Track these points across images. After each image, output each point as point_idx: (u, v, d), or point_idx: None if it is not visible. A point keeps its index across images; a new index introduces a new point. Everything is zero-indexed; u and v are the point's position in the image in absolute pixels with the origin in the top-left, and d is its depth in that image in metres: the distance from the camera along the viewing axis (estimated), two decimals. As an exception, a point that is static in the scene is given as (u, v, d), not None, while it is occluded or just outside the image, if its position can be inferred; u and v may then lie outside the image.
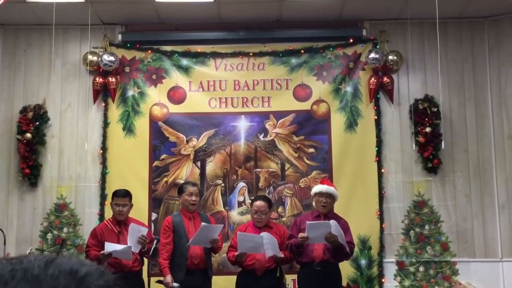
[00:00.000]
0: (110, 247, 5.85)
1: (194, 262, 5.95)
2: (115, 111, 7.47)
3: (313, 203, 6.13)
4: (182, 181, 7.25)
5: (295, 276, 6.37)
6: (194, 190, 6.18)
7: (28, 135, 7.35)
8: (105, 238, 5.99)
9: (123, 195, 6.11)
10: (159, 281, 5.94)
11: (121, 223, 6.08)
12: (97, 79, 7.44)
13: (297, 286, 6.19)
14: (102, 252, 5.87)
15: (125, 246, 5.82)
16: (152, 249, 5.71)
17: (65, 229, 7.31)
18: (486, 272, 7.13)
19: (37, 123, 7.41)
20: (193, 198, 6.11)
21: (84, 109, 7.53)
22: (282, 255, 5.92)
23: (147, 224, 6.80)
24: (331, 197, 6.02)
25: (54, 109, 7.53)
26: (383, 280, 7.13)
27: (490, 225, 7.29)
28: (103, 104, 7.49)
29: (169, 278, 5.86)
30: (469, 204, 7.32)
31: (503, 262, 7.17)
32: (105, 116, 7.46)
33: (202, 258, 6.01)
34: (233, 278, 6.28)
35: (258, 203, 6.17)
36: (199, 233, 5.80)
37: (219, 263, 6.93)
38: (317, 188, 6.10)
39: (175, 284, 5.78)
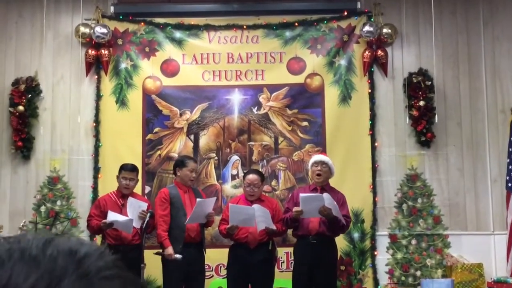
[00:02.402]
0: (112, 216, 5.87)
1: (190, 235, 5.97)
2: (108, 84, 7.42)
3: (310, 177, 6.16)
4: (175, 155, 7.26)
5: (288, 249, 6.42)
6: (195, 166, 6.26)
7: (21, 107, 7.31)
8: (108, 209, 6.02)
9: (131, 169, 6.15)
10: (158, 253, 5.94)
11: (125, 196, 6.09)
12: (90, 51, 7.38)
13: (292, 259, 6.21)
14: (103, 221, 5.89)
15: (127, 218, 5.84)
16: (145, 222, 5.72)
17: (58, 202, 7.30)
18: (477, 245, 7.18)
19: (30, 95, 7.36)
20: (194, 174, 6.17)
21: (76, 82, 7.48)
22: (274, 227, 5.94)
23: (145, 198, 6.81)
24: (325, 165, 6.04)
25: (46, 81, 7.48)
26: (375, 253, 7.17)
27: (482, 199, 7.32)
28: (96, 76, 7.44)
29: (170, 249, 5.84)
30: (462, 178, 7.35)
31: (495, 235, 7.22)
32: (98, 89, 7.42)
33: (198, 231, 6.03)
34: (226, 250, 6.31)
35: (251, 176, 6.18)
36: (195, 210, 5.81)
37: (212, 236, 6.95)
38: (313, 158, 6.18)
39: (178, 255, 5.76)
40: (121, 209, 6.02)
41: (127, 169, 6.16)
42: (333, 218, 5.77)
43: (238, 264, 6.04)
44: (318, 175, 6.02)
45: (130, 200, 5.99)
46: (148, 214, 5.76)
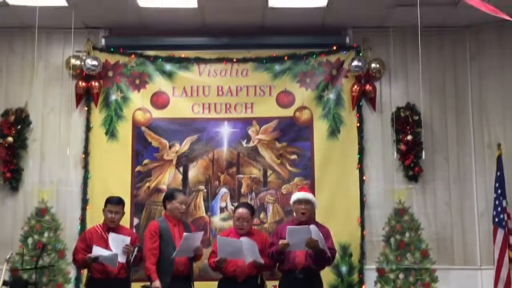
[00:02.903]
0: (97, 251, 5.87)
1: (179, 269, 5.97)
2: (98, 116, 7.45)
3: (294, 212, 6.18)
4: (164, 187, 7.28)
5: (275, 283, 6.39)
6: (184, 199, 6.28)
7: (10, 138, 7.31)
8: (94, 243, 6.01)
9: (116, 202, 6.15)
10: (145, 286, 5.93)
11: (111, 230, 6.08)
12: (80, 83, 7.42)
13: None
14: (88, 255, 5.89)
15: (112, 252, 5.83)
16: (133, 257, 5.70)
17: (46, 234, 7.27)
18: (464, 280, 7.19)
19: (19, 126, 7.37)
20: (183, 206, 6.20)
21: (66, 113, 7.49)
22: (262, 261, 5.95)
23: (134, 231, 6.80)
24: (309, 203, 6.08)
25: (36, 112, 7.50)
26: (363, 286, 7.17)
27: (470, 233, 7.36)
28: (86, 108, 7.47)
29: (157, 283, 5.84)
30: (449, 212, 7.39)
31: (482, 270, 7.24)
32: (88, 120, 7.44)
33: (186, 265, 6.03)
34: (214, 284, 6.29)
35: (241, 210, 6.20)
36: (182, 243, 5.82)
37: (201, 269, 6.93)
38: (295, 196, 6.17)
39: None
40: (107, 243, 6.01)
41: (113, 202, 6.17)
42: (320, 250, 5.79)
43: (226, 298, 6.03)
44: (303, 213, 6.04)
45: (112, 235, 5.98)
46: (136, 249, 5.74)
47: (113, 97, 7.48)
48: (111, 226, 6.11)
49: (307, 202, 6.07)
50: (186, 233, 5.90)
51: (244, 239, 5.93)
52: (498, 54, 7.56)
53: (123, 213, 6.23)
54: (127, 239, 6.00)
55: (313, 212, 6.23)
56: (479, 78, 7.61)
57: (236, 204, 6.99)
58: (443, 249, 7.32)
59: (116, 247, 5.92)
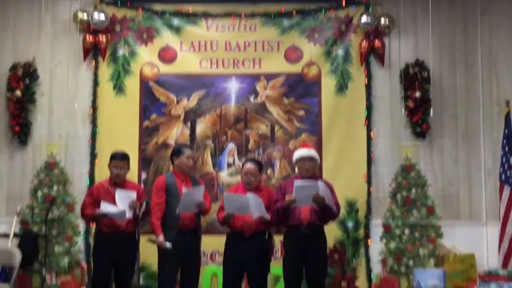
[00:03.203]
0: (105, 207, 5.92)
1: (185, 223, 6.02)
2: (106, 70, 7.45)
3: (296, 169, 6.18)
4: (172, 142, 7.31)
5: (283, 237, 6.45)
6: (191, 153, 6.26)
7: (18, 92, 7.33)
8: (101, 197, 6.05)
9: (121, 158, 6.15)
10: (150, 240, 6.01)
11: (118, 185, 6.13)
12: (87, 37, 7.40)
13: (279, 250, 6.25)
14: (97, 211, 5.95)
15: (120, 209, 5.88)
16: (141, 212, 5.76)
17: (55, 187, 7.33)
18: (470, 236, 7.24)
19: (27, 80, 7.38)
20: (191, 161, 6.20)
21: (74, 68, 7.49)
22: (269, 217, 5.98)
23: (141, 185, 6.85)
24: (312, 160, 6.07)
25: (44, 67, 7.50)
26: (369, 242, 7.25)
27: (476, 190, 7.39)
28: (93, 62, 7.46)
29: (161, 237, 5.92)
30: (456, 169, 7.42)
31: (487, 225, 7.30)
32: (95, 75, 7.45)
33: (193, 219, 6.08)
34: (222, 238, 6.35)
35: (248, 165, 6.22)
36: (183, 200, 5.85)
37: (208, 223, 7.00)
38: (298, 153, 6.13)
39: (168, 244, 5.84)
40: (114, 198, 6.05)
41: (117, 158, 6.16)
42: (326, 206, 5.83)
43: (233, 252, 6.09)
44: (307, 170, 6.05)
45: (118, 192, 6.01)
46: (144, 203, 5.79)
47: (120, 51, 7.46)
48: (117, 181, 6.15)
49: (310, 159, 6.06)
50: (185, 189, 5.93)
51: (250, 195, 5.96)
52: (509, 10, 7.49)
53: (129, 167, 6.24)
54: (133, 195, 6.04)
55: (316, 168, 6.23)
56: (490, 34, 7.54)
57: (243, 159, 7.03)
58: (449, 205, 7.36)
59: (122, 203, 5.96)
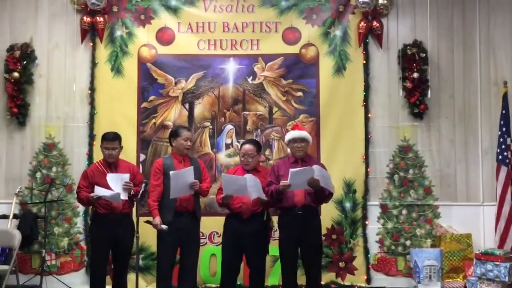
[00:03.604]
0: (99, 191, 5.92)
1: (182, 205, 6.06)
2: (103, 51, 7.43)
3: (288, 150, 6.22)
4: (170, 123, 7.32)
5: (281, 218, 6.50)
6: (189, 135, 6.28)
7: (16, 74, 7.32)
8: (96, 179, 6.05)
9: (112, 139, 6.14)
10: (147, 221, 6.05)
11: (112, 165, 6.14)
12: (85, 18, 7.38)
13: (277, 230, 6.27)
14: (91, 194, 5.96)
15: (114, 192, 5.89)
16: (140, 193, 5.78)
17: (54, 169, 7.36)
18: (467, 216, 7.31)
19: (25, 62, 7.37)
20: (188, 143, 6.22)
21: (71, 49, 7.47)
22: (266, 198, 6.02)
23: (135, 164, 6.86)
24: (305, 141, 6.11)
25: (41, 48, 7.48)
26: (366, 222, 7.30)
27: (473, 170, 7.43)
28: (91, 44, 7.44)
29: (158, 219, 5.98)
30: (453, 149, 7.45)
31: (484, 206, 7.35)
32: (93, 56, 7.43)
33: (191, 201, 6.11)
34: (220, 219, 6.41)
35: (246, 146, 6.26)
36: (172, 183, 5.87)
37: (206, 204, 7.04)
38: (290, 134, 6.17)
39: (164, 226, 5.90)
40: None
41: (108, 139, 6.14)
42: (321, 189, 5.87)
43: (232, 234, 6.15)
44: (299, 151, 6.09)
45: (109, 176, 6.00)
46: (143, 185, 5.81)
47: (118, 32, 7.44)
48: (110, 161, 6.14)
49: (302, 140, 6.10)
50: (172, 172, 5.93)
51: (248, 176, 6.00)
52: (508, -9, 7.47)
53: (121, 147, 6.21)
54: (126, 176, 6.03)
55: (308, 148, 6.26)
56: (488, 15, 7.54)
57: (241, 141, 7.05)
58: (446, 186, 7.40)
59: (116, 186, 5.97)
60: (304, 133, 6.14)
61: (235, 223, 6.13)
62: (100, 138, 7.06)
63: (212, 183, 6.64)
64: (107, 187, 5.97)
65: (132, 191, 6.00)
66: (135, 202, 6.26)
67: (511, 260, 6.02)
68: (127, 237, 6.14)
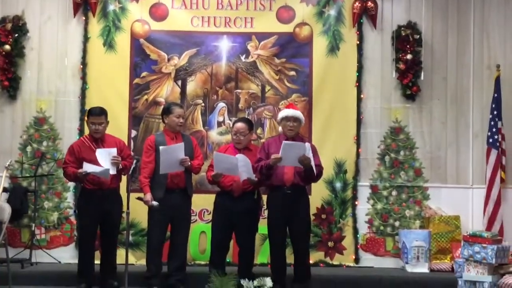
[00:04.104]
0: (88, 168, 5.91)
1: (174, 181, 6.08)
2: (96, 26, 7.37)
3: (280, 128, 6.23)
4: (162, 100, 7.30)
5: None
6: (181, 112, 6.29)
7: (7, 47, 7.26)
8: (83, 155, 6.05)
9: (98, 114, 6.13)
10: (139, 198, 6.06)
11: (98, 140, 6.12)
12: (78, -9, 7.31)
13: (266, 208, 6.31)
14: (80, 170, 5.95)
15: (103, 168, 5.88)
16: (131, 168, 5.77)
17: (44, 143, 7.34)
18: (456, 198, 7.35)
19: (16, 35, 7.31)
20: (181, 120, 6.24)
21: (64, 22, 7.41)
22: (256, 179, 6.04)
23: (126, 141, 6.85)
24: (297, 121, 6.13)
25: (33, 21, 7.41)
26: (356, 202, 7.33)
27: (463, 153, 7.46)
28: (84, 18, 7.38)
29: (149, 196, 6.00)
30: (444, 132, 7.47)
31: (473, 189, 7.39)
32: (86, 30, 7.37)
33: (182, 177, 6.13)
34: (211, 196, 6.44)
35: (238, 124, 6.27)
36: (162, 159, 5.88)
37: (197, 182, 7.04)
38: (284, 112, 6.19)
39: (155, 202, 5.92)
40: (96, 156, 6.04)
41: (95, 113, 6.14)
42: (311, 167, 5.88)
43: (222, 211, 6.18)
44: (291, 130, 6.09)
45: (98, 151, 6.00)
46: (134, 161, 5.80)
47: (111, 7, 7.38)
48: (96, 137, 6.13)
49: (295, 119, 6.11)
50: (161, 147, 5.95)
51: (239, 156, 6.01)
52: (502, -25, 7.45)
53: (107, 122, 6.19)
54: (113, 151, 6.03)
55: (300, 128, 6.27)
56: (482, -1, 7.54)
57: (233, 119, 7.05)
58: (437, 167, 7.44)
59: (104, 161, 5.96)
60: (297, 113, 6.16)
61: (226, 200, 6.15)
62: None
63: (204, 161, 6.64)
64: (94, 162, 5.97)
65: (120, 165, 6.00)
66: (123, 177, 6.27)
67: (499, 242, 6.05)
68: (115, 213, 6.17)
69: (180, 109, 6.33)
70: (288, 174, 6.00)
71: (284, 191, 5.99)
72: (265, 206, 6.32)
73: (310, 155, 5.83)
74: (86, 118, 6.20)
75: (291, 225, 6.03)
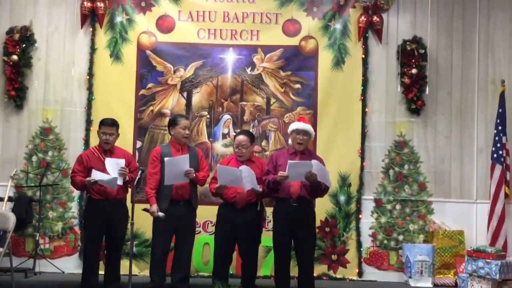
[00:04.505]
0: (96, 175, 5.95)
1: (178, 193, 6.10)
2: (103, 37, 7.42)
3: (289, 140, 6.24)
4: (168, 111, 7.33)
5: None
6: (187, 123, 6.33)
7: (15, 57, 7.31)
8: (91, 165, 6.09)
9: (110, 124, 6.19)
10: (145, 209, 6.09)
11: (107, 151, 6.16)
12: (85, 3, 7.36)
13: (270, 221, 6.31)
14: (88, 179, 5.98)
15: (111, 176, 5.92)
16: (136, 180, 5.80)
17: (50, 153, 7.37)
18: (460, 213, 7.34)
19: (24, 45, 7.37)
20: (187, 131, 6.27)
21: (71, 34, 7.47)
22: (260, 189, 6.06)
23: (131, 152, 6.87)
24: (307, 134, 6.14)
25: (40, 32, 7.47)
26: (360, 216, 7.33)
27: (468, 168, 7.46)
28: (91, 29, 7.43)
29: (155, 207, 6.02)
30: (449, 146, 7.47)
31: (477, 204, 7.38)
32: (93, 41, 7.42)
33: (187, 189, 6.14)
34: (215, 208, 6.44)
35: (240, 137, 6.30)
36: (167, 169, 5.91)
37: (201, 193, 7.04)
38: (294, 125, 6.21)
39: (161, 214, 5.94)
40: (104, 164, 6.08)
41: (107, 124, 6.21)
42: (317, 183, 5.90)
43: (225, 223, 6.18)
44: (300, 143, 6.11)
45: (107, 160, 6.06)
46: (139, 172, 5.83)
47: (118, 19, 7.43)
48: (106, 148, 6.18)
49: (305, 133, 6.13)
50: (166, 158, 5.98)
51: (243, 168, 6.03)
52: (508, -9, 7.48)
53: (118, 134, 6.27)
54: (122, 162, 6.08)
55: (309, 143, 6.29)
56: (488, 14, 7.56)
57: (238, 131, 7.07)
58: (441, 182, 7.44)
59: (112, 170, 6.01)
60: (308, 126, 6.17)
61: (229, 212, 6.16)
62: (97, 124, 7.10)
63: (209, 172, 6.65)
64: (102, 172, 6.00)
65: (127, 177, 6.03)
66: (129, 189, 6.29)
67: (503, 258, 6.06)
68: (121, 224, 6.18)
69: (186, 121, 6.36)
70: (294, 187, 6.01)
71: (290, 203, 6.00)
72: (268, 218, 6.32)
73: (319, 170, 5.82)
74: (97, 128, 6.23)
75: (297, 237, 6.03)
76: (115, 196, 6.10)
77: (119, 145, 6.41)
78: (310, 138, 6.21)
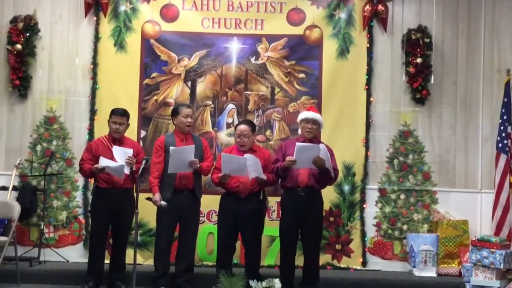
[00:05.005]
0: (104, 162, 6.00)
1: (182, 182, 6.11)
2: (107, 26, 7.41)
3: (299, 130, 6.24)
4: (172, 100, 7.32)
5: (279, 199, 6.54)
6: (189, 112, 6.32)
7: (18, 46, 7.30)
8: (100, 153, 6.14)
9: (121, 114, 6.23)
10: (148, 198, 6.12)
11: (116, 140, 6.18)
12: (89, -8, 7.35)
13: (274, 210, 6.33)
14: (95, 165, 6.01)
15: (119, 164, 5.95)
16: (140, 169, 5.80)
17: (54, 142, 7.37)
18: (464, 202, 7.33)
19: (28, 34, 7.35)
20: (189, 120, 6.26)
21: (75, 23, 7.45)
22: (265, 177, 6.07)
23: (137, 142, 6.88)
24: (316, 123, 6.14)
25: (44, 20, 7.45)
26: (364, 205, 7.32)
27: (472, 157, 7.45)
28: (95, 18, 7.41)
29: (157, 196, 6.03)
30: (454, 136, 7.46)
31: (482, 193, 7.37)
32: (97, 30, 7.40)
33: (190, 179, 6.15)
34: (219, 197, 6.44)
35: (241, 127, 6.30)
36: (171, 159, 5.92)
37: (205, 183, 7.01)
38: (304, 114, 6.21)
39: (163, 202, 5.95)
40: (112, 153, 6.10)
41: (118, 113, 6.24)
42: (326, 169, 5.90)
43: (228, 213, 6.19)
44: (309, 131, 6.10)
45: (115, 148, 6.09)
46: (144, 162, 5.83)
47: (122, 7, 7.41)
48: (116, 137, 6.21)
49: (314, 122, 6.13)
50: (172, 148, 5.99)
51: (248, 156, 6.03)
52: (514, -19, 7.44)
53: (128, 124, 6.32)
54: (130, 151, 6.11)
55: (319, 132, 6.30)
56: (493, 2, 7.55)
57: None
58: (445, 172, 7.42)
59: (120, 159, 6.04)
60: (317, 115, 6.19)
61: (232, 202, 6.17)
62: (101, 114, 7.11)
63: (213, 162, 6.65)
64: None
65: (133, 166, 6.05)
66: (135, 178, 6.30)
67: (507, 247, 6.04)
68: (127, 213, 6.18)
69: (187, 109, 6.36)
70: (302, 176, 6.01)
71: (298, 192, 6.01)
72: (272, 208, 6.32)
73: (326, 156, 5.84)
74: (108, 118, 6.25)
75: (304, 227, 6.03)
76: (122, 185, 6.13)
77: (125, 135, 6.42)
78: (319, 127, 6.22)
